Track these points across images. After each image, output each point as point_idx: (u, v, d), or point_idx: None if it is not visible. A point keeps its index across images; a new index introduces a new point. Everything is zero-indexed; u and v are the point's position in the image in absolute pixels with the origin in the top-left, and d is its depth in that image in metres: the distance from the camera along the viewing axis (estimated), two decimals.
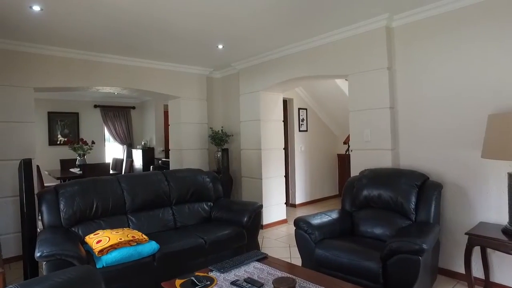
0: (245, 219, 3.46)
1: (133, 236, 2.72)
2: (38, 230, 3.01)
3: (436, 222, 2.76)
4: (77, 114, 8.22)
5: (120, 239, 2.63)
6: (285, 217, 5.34)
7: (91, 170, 5.56)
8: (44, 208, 2.91)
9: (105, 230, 2.82)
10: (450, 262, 3.07)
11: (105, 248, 2.54)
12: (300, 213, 5.96)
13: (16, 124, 3.94)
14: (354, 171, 3.74)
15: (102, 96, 8.23)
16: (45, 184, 5.99)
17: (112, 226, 3.11)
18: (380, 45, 3.45)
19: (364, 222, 3.07)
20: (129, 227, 3.22)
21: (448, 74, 3.07)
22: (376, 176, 3.20)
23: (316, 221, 3.00)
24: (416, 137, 3.31)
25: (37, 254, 2.21)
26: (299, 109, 6.55)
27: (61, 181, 6.00)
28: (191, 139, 5.53)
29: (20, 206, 2.82)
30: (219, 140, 5.50)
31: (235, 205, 3.75)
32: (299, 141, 6.53)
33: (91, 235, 2.77)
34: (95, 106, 8.49)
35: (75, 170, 6.49)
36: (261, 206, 3.63)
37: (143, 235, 2.81)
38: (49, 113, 7.84)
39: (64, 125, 8.04)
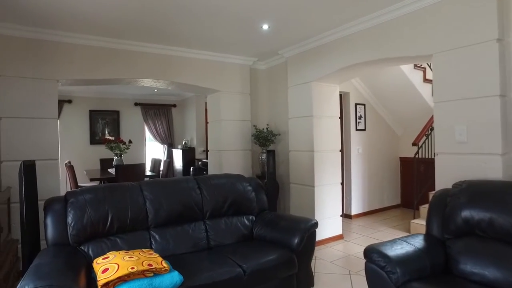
0: (296, 241, 2.70)
1: (149, 264, 2.07)
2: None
3: None
4: (117, 112, 7.98)
5: (132, 268, 2.00)
6: (341, 232, 4.48)
7: (125, 171, 5.12)
8: (49, 221, 2.38)
9: (117, 253, 2.21)
10: None
11: (111, 281, 1.92)
12: (356, 226, 5.05)
13: (37, 121, 3.53)
14: (440, 182, 2.82)
15: (142, 93, 7.91)
16: (79, 184, 5.69)
17: (130, 245, 2.51)
18: (487, 6, 2.49)
19: (466, 257, 2.15)
20: (151, 247, 2.60)
21: None
22: (481, 192, 2.26)
23: (395, 252, 2.16)
24: None
25: None
26: (356, 104, 5.64)
27: (101, 182, 5.67)
28: (232, 139, 4.86)
29: (20, 218, 2.31)
30: (264, 140, 4.78)
31: (283, 221, 3.00)
32: (356, 141, 5.62)
33: (100, 259, 2.17)
34: (136, 104, 8.20)
35: (112, 171, 6.14)
36: (315, 225, 2.84)
37: (163, 262, 2.16)
38: (90, 111, 7.65)
39: (105, 124, 7.82)
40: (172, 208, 2.77)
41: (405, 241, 2.32)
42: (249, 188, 3.24)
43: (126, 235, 2.57)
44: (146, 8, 3.04)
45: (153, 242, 2.64)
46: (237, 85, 4.89)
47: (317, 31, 3.80)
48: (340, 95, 5.39)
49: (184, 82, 4.43)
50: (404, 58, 3.27)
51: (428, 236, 2.43)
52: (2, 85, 3.42)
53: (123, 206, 2.58)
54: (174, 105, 8.73)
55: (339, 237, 4.42)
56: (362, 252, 3.75)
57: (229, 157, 4.82)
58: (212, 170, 5.08)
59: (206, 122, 6.72)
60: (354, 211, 5.58)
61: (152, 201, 2.71)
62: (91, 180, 5.22)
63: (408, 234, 4.47)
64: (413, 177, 5.08)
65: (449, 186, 2.55)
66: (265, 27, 3.56)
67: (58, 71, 3.64)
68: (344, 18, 3.40)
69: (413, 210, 4.98)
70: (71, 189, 5.67)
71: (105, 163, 6.97)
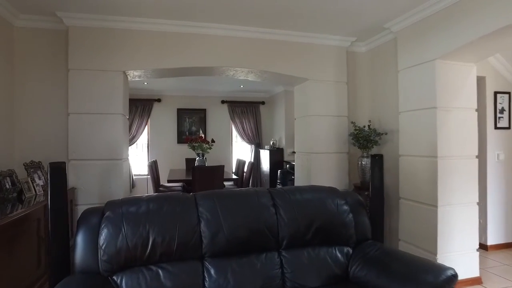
0: None
1: None
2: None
3: None
4: (204, 110, 7.74)
5: None
6: (478, 274, 3.16)
7: (202, 174, 4.63)
8: (79, 239, 1.85)
9: None
10: None
11: None
12: (497, 263, 3.62)
13: (100, 117, 3.21)
14: None
15: (229, 90, 7.52)
16: (161, 184, 5.47)
17: (175, 281, 1.84)
18: None
19: None
20: (203, 286, 1.89)
21: None
22: None
23: None
24: None
25: None
26: (495, 93, 4.17)
27: (183, 186, 5.36)
28: (323, 139, 3.93)
29: (46, 233, 1.84)
30: (365, 140, 3.74)
31: (396, 262, 1.98)
32: (494, 144, 4.14)
33: None
34: (223, 102, 7.85)
35: None
36: (454, 279, 1.76)
37: None
38: (178, 109, 7.56)
39: (192, 122, 7.66)
40: (235, 232, 2.02)
41: None
42: (345, 207, 2.30)
43: (171, 265, 1.90)
44: None
45: (207, 278, 1.92)
46: (330, 72, 3.94)
47: None
48: None
49: (264, 70, 3.68)
50: None
51: None
52: (71, 79, 3.22)
53: (170, 226, 1.92)
54: (263, 102, 8.14)
55: (476, 281, 3.11)
56: None
57: (319, 161, 3.90)
58: (298, 177, 4.24)
59: None
60: (491, 241, 4.09)
61: (208, 221, 2.00)
62: (168, 181, 4.90)
63: None
64: None
65: None
66: None
67: (124, 61, 3.29)
68: None
69: None
70: (153, 190, 5.49)
71: (190, 163, 6.72)
